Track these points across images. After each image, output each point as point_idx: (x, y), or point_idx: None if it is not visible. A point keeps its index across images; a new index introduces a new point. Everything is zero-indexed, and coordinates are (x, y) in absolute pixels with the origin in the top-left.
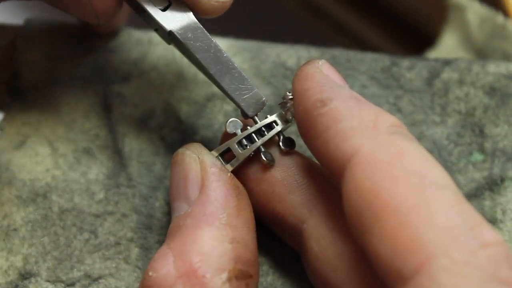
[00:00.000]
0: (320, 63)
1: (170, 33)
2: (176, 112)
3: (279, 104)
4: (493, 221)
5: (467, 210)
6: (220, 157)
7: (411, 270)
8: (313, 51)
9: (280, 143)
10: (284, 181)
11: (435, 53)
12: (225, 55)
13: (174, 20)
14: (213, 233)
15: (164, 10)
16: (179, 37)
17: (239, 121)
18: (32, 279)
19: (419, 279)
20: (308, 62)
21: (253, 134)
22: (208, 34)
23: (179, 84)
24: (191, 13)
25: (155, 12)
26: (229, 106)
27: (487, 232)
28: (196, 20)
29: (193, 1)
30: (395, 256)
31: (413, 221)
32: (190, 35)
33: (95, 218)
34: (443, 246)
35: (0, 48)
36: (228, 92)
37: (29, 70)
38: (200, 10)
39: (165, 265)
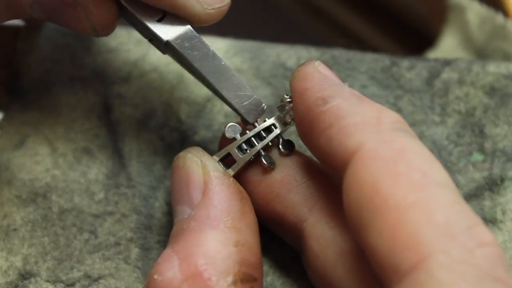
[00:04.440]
0: (316, 63)
1: (167, 44)
2: (176, 112)
3: (277, 107)
4: (493, 221)
5: (465, 210)
6: (220, 162)
7: (409, 266)
8: (313, 51)
9: (280, 146)
10: (283, 180)
11: (435, 53)
12: (222, 62)
13: (170, 30)
14: (218, 236)
15: (159, 20)
16: (176, 47)
17: (237, 125)
18: (32, 279)
19: (417, 275)
20: (304, 63)
21: (252, 138)
22: (205, 42)
23: (179, 84)
24: (187, 22)
25: (151, 23)
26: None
27: (484, 232)
28: (192, 29)
29: (187, 14)
30: (393, 252)
31: (413, 218)
32: (187, 44)
33: (95, 218)
34: (441, 244)
35: (0, 49)
36: (228, 100)
37: (29, 70)
38: (196, 20)
39: (170, 268)
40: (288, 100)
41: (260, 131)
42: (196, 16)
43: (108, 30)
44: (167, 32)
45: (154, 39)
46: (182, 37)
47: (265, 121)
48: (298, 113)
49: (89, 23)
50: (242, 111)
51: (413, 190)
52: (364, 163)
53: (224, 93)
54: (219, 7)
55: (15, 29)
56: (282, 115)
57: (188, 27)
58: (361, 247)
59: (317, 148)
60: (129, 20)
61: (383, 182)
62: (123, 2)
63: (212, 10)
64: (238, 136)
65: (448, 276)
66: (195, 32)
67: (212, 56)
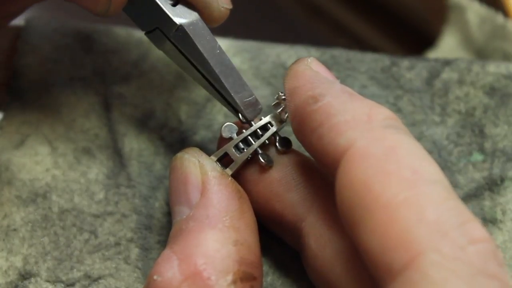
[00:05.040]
0: (309, 60)
1: (178, 29)
2: (176, 112)
3: (272, 105)
4: (493, 221)
5: (457, 206)
6: (218, 162)
7: (401, 265)
8: (313, 51)
9: (277, 144)
10: (282, 180)
11: (435, 53)
12: (228, 58)
13: (183, 16)
14: (217, 235)
15: (173, 5)
16: (188, 32)
17: (234, 125)
18: (32, 279)
19: (409, 274)
20: (297, 60)
21: (249, 137)
22: (213, 35)
23: (179, 84)
24: (197, 13)
25: (166, 6)
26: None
27: (476, 228)
28: (203, 21)
29: (203, 6)
30: (385, 251)
31: (404, 216)
32: (198, 32)
33: (95, 218)
34: (432, 241)
35: (0, 49)
36: (231, 93)
37: (29, 70)
38: (208, 15)
39: (170, 268)
40: (283, 97)
41: (256, 130)
42: (210, 8)
43: (117, 8)
44: (180, 16)
45: (162, 25)
46: (194, 25)
47: (261, 119)
48: (290, 112)
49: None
50: (242, 107)
51: (404, 188)
52: (355, 161)
53: (228, 87)
54: (226, 8)
55: (15, 29)
56: (277, 113)
57: (199, 17)
58: (355, 246)
59: (309, 146)
60: (133, 9)
61: (374, 180)
62: None
63: (223, 8)
64: (234, 135)
65: (440, 273)
66: (205, 24)
67: (219, 49)
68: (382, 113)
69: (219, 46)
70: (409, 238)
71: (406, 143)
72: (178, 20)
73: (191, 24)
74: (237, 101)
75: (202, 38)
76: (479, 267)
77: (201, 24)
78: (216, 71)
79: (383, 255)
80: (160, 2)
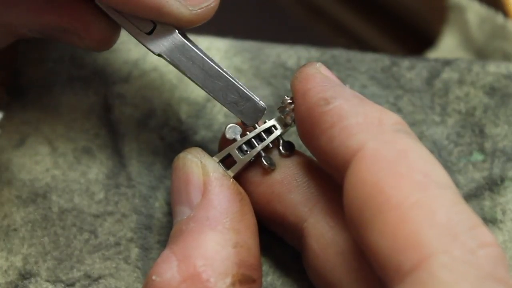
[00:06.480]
0: (317, 65)
1: (160, 56)
2: (176, 112)
3: (278, 109)
4: (493, 221)
5: (467, 211)
6: (220, 163)
7: (411, 266)
8: (313, 51)
9: (280, 147)
10: (283, 181)
11: (435, 53)
12: (216, 68)
13: (161, 41)
14: (217, 237)
15: (149, 33)
16: (168, 59)
17: (238, 126)
18: (32, 279)
19: (419, 275)
20: (306, 64)
21: (252, 139)
22: (196, 50)
23: (179, 84)
24: (177, 31)
25: (141, 37)
26: None
27: (485, 233)
28: (183, 39)
29: (175, 19)
30: (395, 251)
31: (415, 218)
32: (178, 55)
33: (95, 218)
34: (443, 244)
35: (1, 49)
36: (225, 106)
37: (29, 70)
38: (185, 24)
39: (169, 269)
40: (289, 101)
41: (260, 132)
42: (184, 19)
43: (105, 46)
44: (158, 44)
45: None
46: (173, 48)
47: (265, 122)
48: (299, 114)
49: (84, 45)
50: (239, 115)
51: (416, 190)
52: (366, 163)
53: (220, 100)
54: (207, 6)
55: None
56: (282, 117)
57: (179, 37)
58: (361, 247)
59: (318, 148)
60: None
61: (385, 182)
62: (114, 18)
63: (199, 10)
64: (238, 137)
65: (450, 276)
66: (186, 41)
67: (205, 63)
68: (392, 117)
69: (205, 60)
70: (420, 239)
71: (416, 147)
72: (155, 49)
73: (169, 49)
74: (232, 110)
75: (185, 59)
76: (488, 271)
77: (182, 43)
78: (204, 89)
79: (392, 255)
80: (137, 36)
